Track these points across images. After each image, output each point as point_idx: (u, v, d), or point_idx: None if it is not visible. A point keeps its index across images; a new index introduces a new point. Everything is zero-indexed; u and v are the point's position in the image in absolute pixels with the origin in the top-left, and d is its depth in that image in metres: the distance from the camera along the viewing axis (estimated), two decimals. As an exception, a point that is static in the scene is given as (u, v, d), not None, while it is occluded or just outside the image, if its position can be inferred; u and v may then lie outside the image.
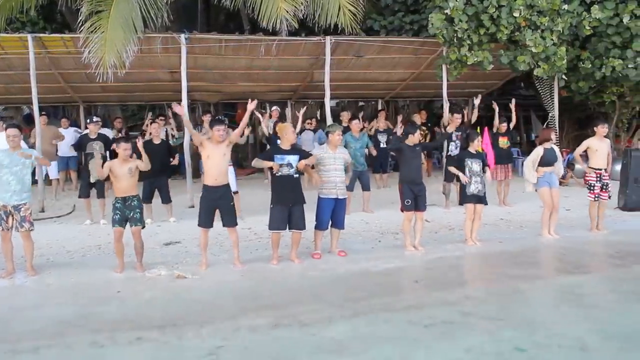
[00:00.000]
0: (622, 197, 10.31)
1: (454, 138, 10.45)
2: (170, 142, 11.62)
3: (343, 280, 6.41)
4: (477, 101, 10.87)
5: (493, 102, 11.30)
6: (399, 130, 10.12)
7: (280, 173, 6.86)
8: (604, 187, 8.59)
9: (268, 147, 10.70)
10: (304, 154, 7.20)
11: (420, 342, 4.56)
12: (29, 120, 14.35)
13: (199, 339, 4.75)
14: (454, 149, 10.09)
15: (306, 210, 7.07)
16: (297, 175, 6.97)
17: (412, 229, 7.62)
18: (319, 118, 14.29)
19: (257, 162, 7.09)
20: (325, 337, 4.74)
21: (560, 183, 9.28)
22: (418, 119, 13.77)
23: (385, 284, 6.29)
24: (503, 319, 5.07)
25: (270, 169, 6.98)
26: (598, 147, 8.61)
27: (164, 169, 9.64)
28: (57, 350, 4.67)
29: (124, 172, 6.72)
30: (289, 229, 6.97)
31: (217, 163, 6.70)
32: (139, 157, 6.95)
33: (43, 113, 11.39)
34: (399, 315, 5.27)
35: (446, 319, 5.09)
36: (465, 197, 7.91)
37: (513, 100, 11.40)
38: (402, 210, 7.59)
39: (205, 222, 6.74)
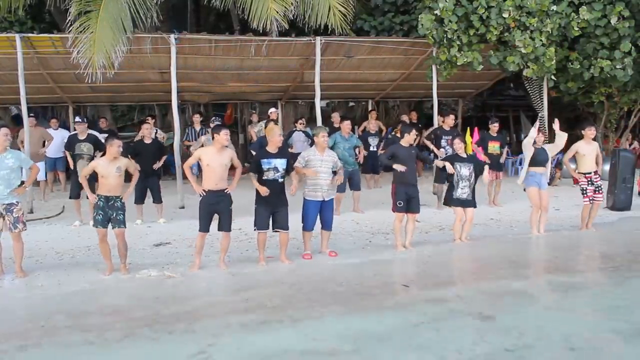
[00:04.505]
0: (610, 197, 10.38)
1: (444, 144, 10.43)
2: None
3: (333, 280, 6.41)
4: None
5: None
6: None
7: (266, 177, 6.83)
8: (597, 189, 8.64)
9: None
10: (292, 158, 7.15)
11: (411, 342, 4.57)
12: (18, 120, 14.24)
13: (190, 337, 4.74)
14: (444, 154, 9.91)
15: (291, 212, 7.06)
16: (282, 180, 6.93)
17: (403, 229, 7.64)
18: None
19: (252, 178, 6.96)
20: (316, 336, 4.74)
21: (549, 184, 9.30)
22: (407, 119, 13.80)
23: (376, 284, 6.29)
24: (493, 319, 5.08)
25: (259, 173, 6.88)
26: (586, 151, 8.66)
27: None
28: (46, 348, 4.64)
29: (112, 170, 6.63)
30: (274, 229, 6.94)
31: (217, 172, 6.64)
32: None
33: (31, 115, 11.28)
34: (389, 314, 5.28)
35: (436, 318, 5.10)
36: (450, 200, 7.94)
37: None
38: (393, 211, 7.61)
39: (205, 226, 6.71)
